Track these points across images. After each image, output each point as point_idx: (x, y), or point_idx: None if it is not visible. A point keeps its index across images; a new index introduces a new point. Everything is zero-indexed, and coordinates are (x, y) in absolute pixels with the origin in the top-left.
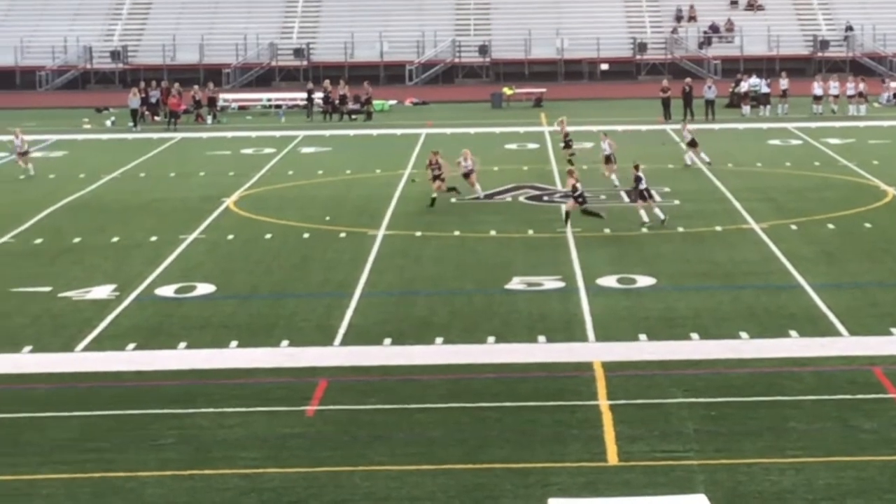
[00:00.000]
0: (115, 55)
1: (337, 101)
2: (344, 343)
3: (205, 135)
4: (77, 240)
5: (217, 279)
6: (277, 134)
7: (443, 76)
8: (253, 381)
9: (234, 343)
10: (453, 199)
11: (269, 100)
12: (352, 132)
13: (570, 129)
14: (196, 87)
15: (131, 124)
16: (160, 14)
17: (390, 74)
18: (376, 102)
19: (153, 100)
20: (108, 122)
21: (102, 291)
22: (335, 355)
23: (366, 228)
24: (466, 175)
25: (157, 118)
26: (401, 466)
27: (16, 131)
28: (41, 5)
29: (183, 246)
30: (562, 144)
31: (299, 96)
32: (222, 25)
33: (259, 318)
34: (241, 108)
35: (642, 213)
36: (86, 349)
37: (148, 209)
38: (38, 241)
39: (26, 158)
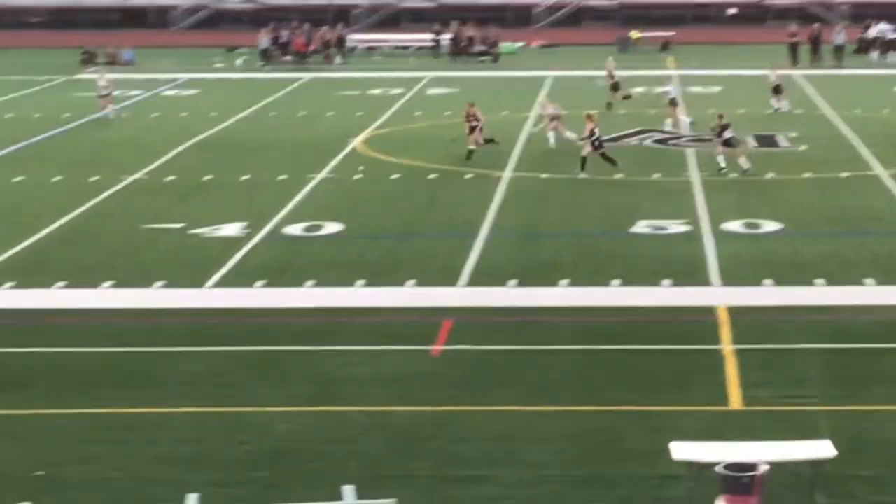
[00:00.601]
0: None
1: (464, 43)
2: (469, 284)
3: (333, 75)
4: (208, 177)
5: (345, 218)
6: (405, 75)
7: (570, 19)
8: (379, 319)
9: (360, 282)
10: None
11: (397, 41)
12: (479, 74)
13: (689, 72)
14: (325, 27)
15: (261, 63)
16: None
17: (517, 16)
18: (503, 45)
19: (283, 39)
20: (239, 62)
21: (233, 229)
22: (460, 295)
23: (491, 170)
24: (554, 119)
25: (286, 58)
26: (525, 407)
27: (101, 72)
28: None
29: (311, 185)
30: (610, 88)
31: (427, 38)
32: None
33: (385, 257)
34: (369, 48)
35: (719, 159)
36: (216, 285)
37: (277, 148)
38: (171, 178)
39: (108, 99)
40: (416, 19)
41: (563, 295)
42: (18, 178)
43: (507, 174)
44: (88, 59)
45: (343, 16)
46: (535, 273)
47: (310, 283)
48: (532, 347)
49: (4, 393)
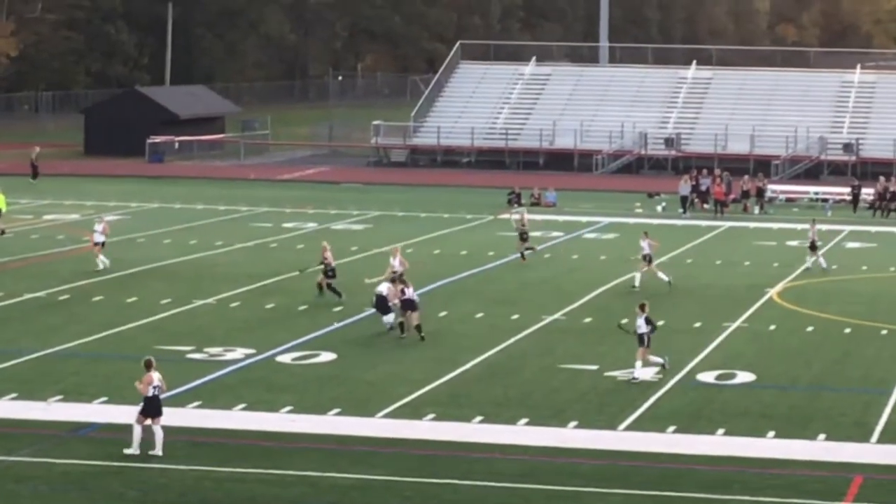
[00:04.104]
0: (668, 142)
1: (888, 198)
2: (882, 440)
3: (751, 224)
4: (625, 320)
5: (757, 368)
6: (823, 227)
7: None
8: (788, 472)
9: (771, 433)
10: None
11: (815, 192)
12: None
13: None
14: (745, 176)
15: (681, 210)
16: (714, 104)
17: None
18: None
19: (703, 188)
20: (659, 208)
21: (646, 373)
22: (872, 452)
23: None
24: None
25: (705, 206)
26: None
27: (102, 218)
28: (602, 92)
29: (725, 333)
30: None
31: (845, 191)
32: (774, 117)
33: (797, 409)
34: (788, 199)
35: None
36: (628, 428)
37: (693, 295)
38: (588, 319)
39: (99, 250)
40: (836, 172)
41: None
42: (443, 313)
43: None
44: (514, 200)
45: (763, 166)
46: None
47: (720, 430)
48: None
49: None
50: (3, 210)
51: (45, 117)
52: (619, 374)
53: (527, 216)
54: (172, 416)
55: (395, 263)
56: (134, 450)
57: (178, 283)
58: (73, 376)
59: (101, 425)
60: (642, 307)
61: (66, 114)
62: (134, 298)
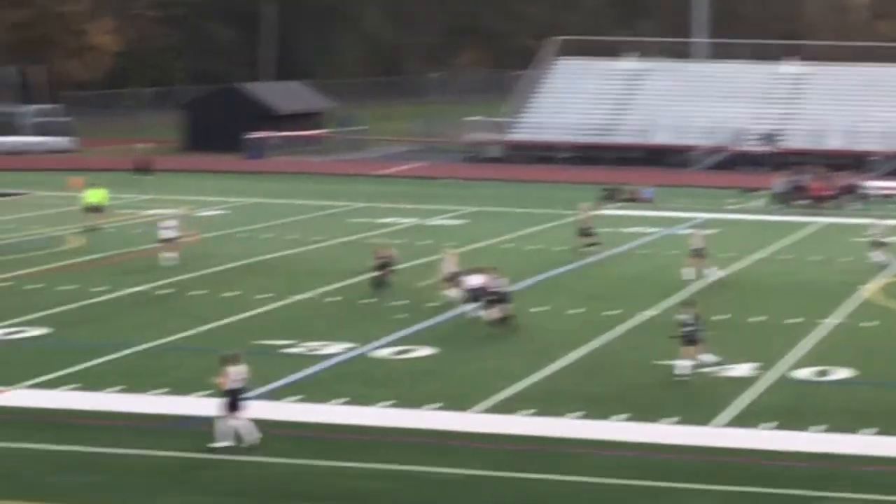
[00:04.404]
0: (765, 138)
1: None
2: None
3: (848, 220)
4: (722, 316)
5: (855, 365)
6: None
7: None
8: (888, 468)
9: (870, 430)
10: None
11: None
12: None
13: None
14: (842, 172)
15: (776, 206)
16: (812, 99)
17: None
18: None
19: (800, 184)
20: (756, 204)
21: (744, 369)
22: None
23: None
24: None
25: (802, 202)
26: None
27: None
28: (698, 87)
29: (823, 329)
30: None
31: None
32: (872, 113)
33: None
34: (885, 195)
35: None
36: (726, 425)
37: (790, 291)
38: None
39: (172, 246)
40: None
41: None
42: (539, 308)
43: None
44: (610, 196)
45: (860, 162)
46: None
47: (819, 427)
48: None
49: None
50: (105, 205)
51: (146, 113)
52: (716, 369)
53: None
54: (271, 410)
55: (450, 267)
56: (223, 443)
57: (277, 277)
58: (175, 370)
59: (202, 419)
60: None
61: (166, 110)
62: (233, 293)
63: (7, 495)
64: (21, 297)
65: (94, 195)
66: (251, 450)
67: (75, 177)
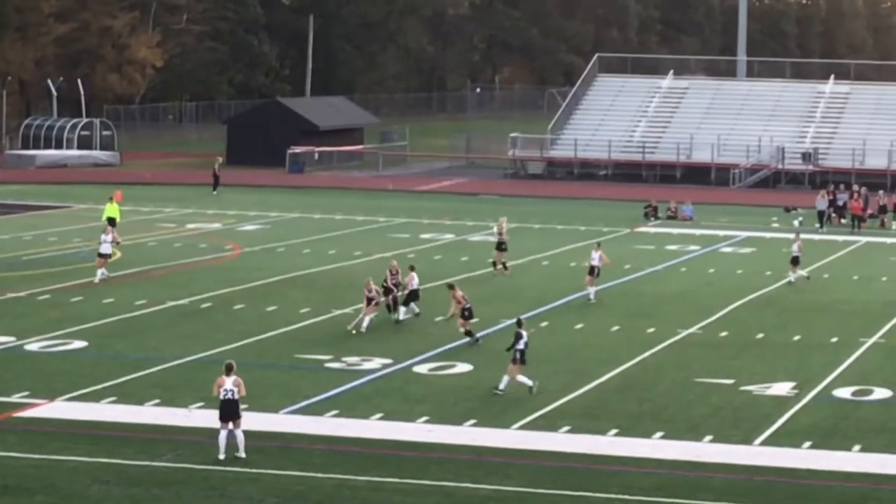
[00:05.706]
0: (805, 157)
1: None
2: None
3: (889, 239)
4: (760, 335)
5: (894, 385)
6: None
7: None
8: None
9: None
10: None
11: None
12: None
13: None
14: (881, 191)
15: (818, 225)
16: (852, 118)
17: None
18: None
19: (840, 202)
20: (796, 222)
21: (782, 388)
22: None
23: None
24: None
25: (843, 221)
26: None
27: (108, 229)
28: (739, 106)
29: (862, 349)
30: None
31: None
32: None
33: None
34: None
35: None
36: (763, 443)
37: (829, 310)
38: (724, 333)
39: (102, 261)
40: None
41: None
42: (579, 325)
43: None
44: (651, 213)
45: None
46: None
47: (857, 447)
48: None
49: None
50: (118, 219)
51: (188, 127)
52: (755, 388)
53: (505, 225)
54: (310, 425)
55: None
56: (221, 454)
57: (317, 292)
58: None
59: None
60: (519, 323)
61: (209, 124)
62: (274, 307)
63: None
64: (61, 310)
65: (111, 210)
66: (238, 459)
67: (118, 190)
